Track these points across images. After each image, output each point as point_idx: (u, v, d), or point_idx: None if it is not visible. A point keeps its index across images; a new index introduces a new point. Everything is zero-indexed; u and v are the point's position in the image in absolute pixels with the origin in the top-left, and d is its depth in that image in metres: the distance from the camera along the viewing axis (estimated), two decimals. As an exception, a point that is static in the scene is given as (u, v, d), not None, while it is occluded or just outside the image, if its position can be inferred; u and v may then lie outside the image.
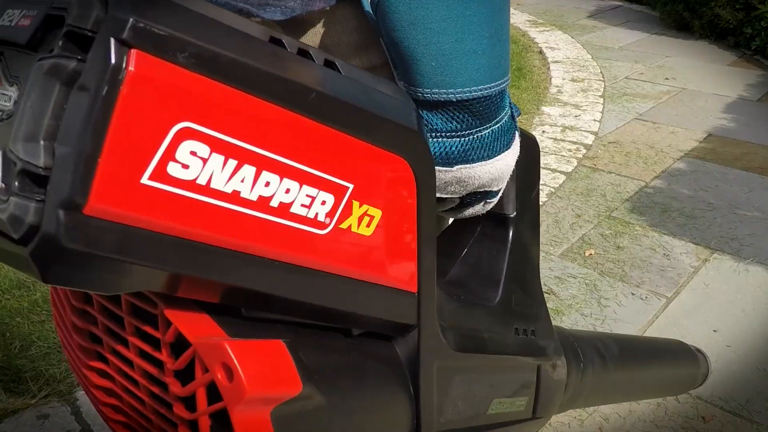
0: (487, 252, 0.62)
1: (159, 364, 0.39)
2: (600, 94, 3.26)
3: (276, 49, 0.33)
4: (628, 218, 2.16)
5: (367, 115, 0.37)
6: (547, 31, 4.33)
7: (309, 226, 0.36)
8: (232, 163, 0.31)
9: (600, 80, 3.45)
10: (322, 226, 0.36)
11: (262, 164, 0.32)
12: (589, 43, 4.10)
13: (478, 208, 0.54)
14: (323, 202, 0.36)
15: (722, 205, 2.23)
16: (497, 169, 0.49)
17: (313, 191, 0.35)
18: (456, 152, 0.47)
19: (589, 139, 2.75)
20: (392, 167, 0.39)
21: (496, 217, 0.62)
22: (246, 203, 0.32)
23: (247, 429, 0.35)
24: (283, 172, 0.33)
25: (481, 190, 0.50)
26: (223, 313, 0.37)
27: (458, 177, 0.48)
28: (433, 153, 0.46)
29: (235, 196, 0.32)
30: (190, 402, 0.37)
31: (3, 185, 0.29)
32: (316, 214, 0.36)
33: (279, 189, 0.33)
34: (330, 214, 0.36)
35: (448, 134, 0.46)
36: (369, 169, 0.38)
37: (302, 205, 0.35)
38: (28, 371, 1.47)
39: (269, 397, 0.35)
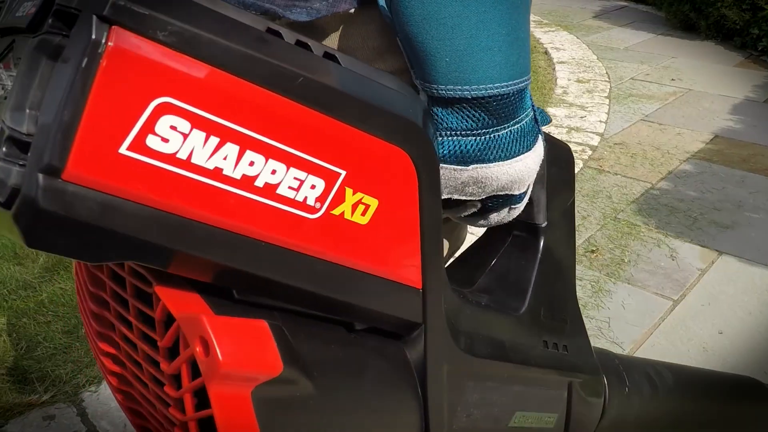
0: (516, 262, 0.61)
1: (156, 344, 0.40)
2: (606, 95, 3.25)
3: (263, 34, 0.33)
4: (634, 220, 2.15)
5: (362, 105, 0.37)
6: (553, 31, 4.32)
7: (297, 209, 0.36)
8: (214, 140, 0.32)
9: (606, 81, 3.44)
10: (311, 210, 0.36)
11: (245, 144, 0.33)
12: (595, 43, 4.09)
13: (504, 214, 0.52)
14: (312, 186, 0.36)
15: (729, 207, 2.22)
16: (516, 171, 0.47)
17: (301, 174, 0.35)
18: (472, 151, 0.46)
19: (595, 141, 2.74)
20: (390, 158, 0.39)
21: (526, 226, 0.61)
22: (229, 181, 0.33)
23: (226, 406, 0.35)
24: (269, 153, 0.34)
25: (502, 193, 0.49)
26: (218, 296, 0.37)
27: (475, 177, 0.47)
28: (448, 151, 0.46)
29: (217, 173, 0.32)
30: (178, 382, 0.38)
31: None
32: (305, 197, 0.36)
33: (264, 169, 0.34)
34: (320, 199, 0.36)
35: (463, 132, 0.45)
36: (363, 157, 0.37)
37: (290, 188, 0.35)
38: (34, 372, 1.47)
39: (247, 375, 0.35)
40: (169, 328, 0.37)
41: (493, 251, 0.62)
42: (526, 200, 0.53)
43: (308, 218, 0.36)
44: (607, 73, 3.56)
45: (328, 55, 0.37)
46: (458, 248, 0.71)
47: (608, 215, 2.18)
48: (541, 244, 0.60)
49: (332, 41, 0.48)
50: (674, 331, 1.64)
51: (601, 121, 2.93)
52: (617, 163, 2.55)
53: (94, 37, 0.28)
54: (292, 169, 0.35)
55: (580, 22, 4.62)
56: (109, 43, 0.28)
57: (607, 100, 3.18)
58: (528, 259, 0.60)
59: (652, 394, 0.78)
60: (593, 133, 2.81)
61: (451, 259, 0.68)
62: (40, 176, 0.28)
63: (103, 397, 1.41)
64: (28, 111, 0.29)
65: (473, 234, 0.74)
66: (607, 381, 0.69)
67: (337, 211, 0.37)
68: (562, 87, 3.34)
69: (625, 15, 4.82)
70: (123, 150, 0.29)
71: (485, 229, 0.66)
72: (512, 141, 0.47)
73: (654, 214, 2.19)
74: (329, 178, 0.36)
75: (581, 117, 2.97)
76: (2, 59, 0.33)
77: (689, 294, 1.78)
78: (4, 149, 0.30)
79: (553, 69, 3.61)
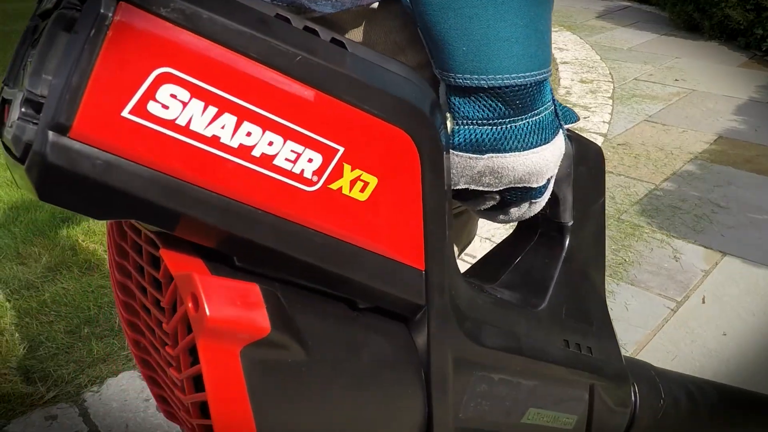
0: (540, 260, 0.61)
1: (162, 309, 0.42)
2: (609, 95, 3.24)
3: (264, 16, 0.36)
4: (638, 221, 2.15)
5: (362, 86, 0.38)
6: (556, 31, 4.32)
7: (294, 180, 0.37)
8: (213, 110, 0.34)
9: (609, 81, 3.43)
10: (308, 182, 0.38)
11: (243, 115, 0.35)
12: (598, 43, 4.08)
13: (524, 209, 0.52)
14: (310, 160, 0.37)
15: (732, 208, 2.21)
16: (533, 163, 0.47)
17: (298, 148, 0.37)
18: (487, 140, 0.46)
19: (598, 141, 2.73)
20: (391, 139, 0.40)
21: (553, 225, 0.61)
22: (226, 149, 0.35)
23: (214, 363, 0.36)
24: (266, 125, 0.35)
25: (520, 185, 0.49)
26: (220, 263, 0.39)
27: (490, 167, 0.47)
28: (464, 139, 0.46)
29: (215, 141, 0.34)
30: (175, 340, 0.40)
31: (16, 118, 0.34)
32: (302, 170, 0.37)
33: (261, 140, 0.35)
34: (317, 173, 0.38)
35: (479, 121, 0.46)
36: (362, 135, 0.39)
37: (286, 159, 0.36)
38: (36, 372, 1.47)
39: (235, 333, 0.36)
40: (167, 288, 0.40)
41: (519, 249, 0.62)
42: (546, 195, 0.52)
43: (305, 190, 0.38)
44: (610, 73, 3.56)
45: (336, 41, 0.38)
46: (469, 243, 0.72)
47: (611, 216, 2.18)
48: (567, 242, 0.60)
49: (355, 35, 0.49)
50: (677, 332, 1.63)
51: (604, 122, 2.93)
52: (621, 163, 2.55)
53: (102, 11, 0.31)
54: (289, 142, 0.36)
55: (584, 22, 4.62)
56: (116, 17, 0.31)
57: (611, 101, 3.17)
58: (552, 257, 0.61)
59: (692, 410, 0.76)
60: (596, 133, 2.81)
61: (480, 253, 0.68)
62: (50, 133, 0.31)
63: (105, 398, 1.41)
64: (44, 76, 0.32)
65: (492, 231, 0.74)
66: (638, 390, 0.68)
67: (334, 186, 0.39)
68: (566, 87, 3.33)
69: (628, 15, 4.81)
70: (125, 113, 0.32)
71: (513, 228, 0.66)
72: (529, 132, 0.47)
73: (657, 214, 2.18)
74: (327, 153, 0.38)
75: (584, 117, 2.97)
76: (39, 40, 0.36)
77: (693, 295, 1.78)
78: (22, 109, 0.33)
79: (557, 69, 3.60)
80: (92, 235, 2.00)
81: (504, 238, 0.67)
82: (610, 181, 2.41)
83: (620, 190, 2.34)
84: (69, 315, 1.65)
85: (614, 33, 4.35)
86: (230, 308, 0.36)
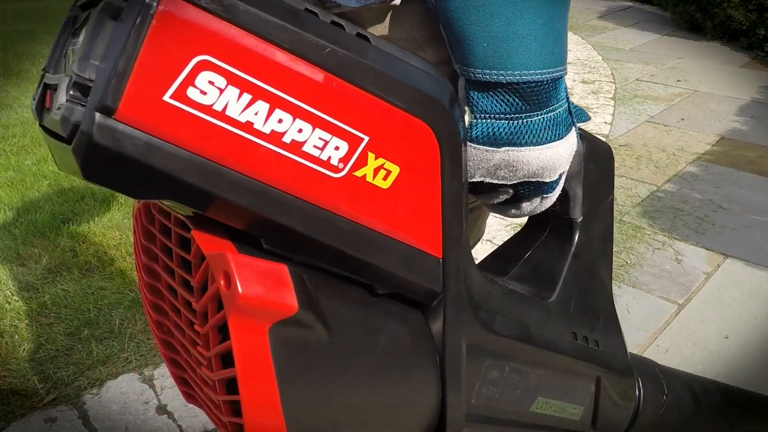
0: (550, 254, 0.63)
1: (191, 289, 0.43)
2: (611, 96, 3.24)
3: (296, 10, 0.38)
4: (640, 222, 2.14)
5: (386, 78, 0.40)
6: (558, 32, 4.31)
7: (321, 167, 0.39)
8: (247, 97, 0.36)
9: (611, 82, 3.42)
10: (335, 169, 0.39)
11: (275, 103, 0.37)
12: (600, 44, 4.07)
13: (536, 204, 0.54)
14: (336, 148, 0.39)
15: (735, 210, 2.20)
16: (547, 157, 0.49)
17: (326, 135, 0.38)
18: (504, 134, 0.48)
19: (600, 142, 2.72)
20: (413, 129, 0.42)
21: (562, 221, 0.62)
22: (259, 134, 0.36)
23: (244, 339, 0.38)
24: (297, 113, 0.37)
25: (533, 180, 0.50)
26: (250, 245, 0.41)
27: (506, 160, 0.48)
28: (481, 133, 0.48)
29: (248, 126, 0.36)
30: (204, 319, 0.42)
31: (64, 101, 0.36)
32: (329, 157, 0.39)
33: (292, 127, 0.37)
34: (343, 160, 0.39)
35: (496, 116, 0.47)
36: (386, 126, 0.41)
37: (315, 146, 0.38)
38: (36, 374, 1.47)
39: (265, 311, 0.38)
40: (199, 268, 0.42)
41: (529, 244, 0.64)
42: (558, 191, 0.54)
43: (331, 176, 0.39)
44: (612, 73, 3.55)
45: (361, 35, 0.40)
46: (479, 240, 0.74)
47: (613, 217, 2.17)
48: (576, 238, 0.62)
49: (377, 31, 0.50)
50: (679, 335, 1.63)
51: (606, 123, 2.92)
52: (622, 164, 2.54)
53: (147, 0, 0.33)
54: (317, 130, 0.38)
55: (585, 23, 4.61)
56: (160, 7, 0.33)
57: (612, 101, 3.17)
58: (561, 253, 0.62)
59: (694, 408, 0.76)
60: (598, 134, 2.80)
61: (481, 254, 0.69)
62: (97, 114, 0.33)
63: (104, 400, 1.41)
64: (91, 61, 0.34)
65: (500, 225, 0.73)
66: (642, 385, 0.69)
67: (359, 173, 0.40)
68: (567, 87, 3.32)
69: (630, 15, 4.80)
70: (166, 98, 0.34)
71: (523, 223, 0.68)
72: (544, 128, 0.48)
73: (659, 216, 2.17)
74: (353, 141, 0.39)
75: (586, 118, 2.96)
76: (82, 29, 0.38)
77: (695, 298, 1.77)
78: (71, 92, 0.35)
79: (558, 70, 3.59)
80: (92, 236, 2.00)
81: (509, 237, 0.68)
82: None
83: (622, 192, 2.33)
84: (69, 317, 1.64)
85: (616, 33, 4.34)
86: (261, 287, 0.38)
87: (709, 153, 2.63)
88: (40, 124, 0.40)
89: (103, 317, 1.64)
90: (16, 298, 1.71)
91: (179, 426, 1.35)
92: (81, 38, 0.38)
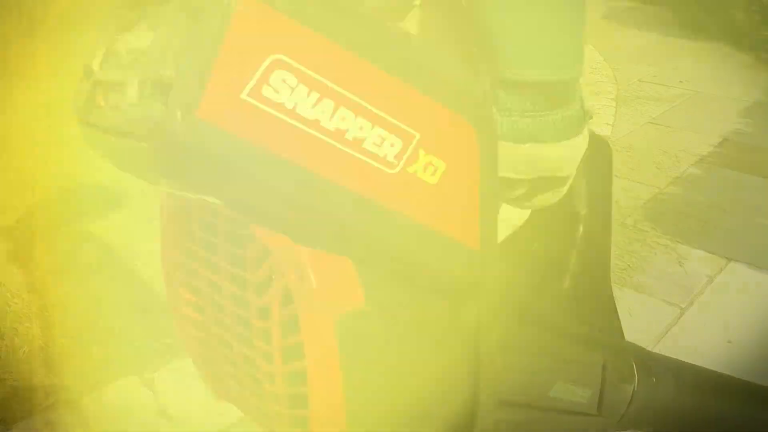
0: (557, 246, 0.66)
1: (243, 285, 0.45)
2: (612, 96, 3.23)
3: (362, 14, 0.39)
4: (642, 225, 2.13)
5: (438, 79, 0.42)
6: (560, 32, 4.30)
7: (380, 163, 0.40)
8: (315, 95, 0.37)
9: (612, 83, 3.41)
10: (391, 165, 0.41)
11: (339, 100, 0.38)
12: (602, 44, 4.06)
13: (548, 197, 0.56)
14: (392, 144, 0.41)
15: (738, 213, 2.20)
16: (567, 152, 0.51)
17: (383, 132, 0.40)
18: (527, 131, 0.50)
19: (602, 143, 2.72)
20: (457, 128, 0.44)
21: (567, 214, 0.65)
22: (325, 132, 0.38)
23: (314, 332, 0.40)
24: (358, 110, 0.39)
25: (550, 174, 0.53)
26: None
27: (528, 155, 0.50)
28: (506, 129, 0.50)
29: (315, 124, 0.37)
30: (266, 314, 0.43)
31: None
32: (386, 154, 0.41)
33: (353, 125, 0.39)
34: (398, 157, 0.41)
35: (521, 113, 0.49)
36: (434, 123, 0.43)
37: (374, 144, 0.40)
38: (36, 377, 1.47)
39: (334, 304, 0.40)
40: (262, 264, 0.43)
41: (536, 237, 0.67)
42: (568, 184, 0.56)
43: (388, 173, 0.41)
44: (614, 74, 3.54)
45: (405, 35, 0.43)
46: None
47: (615, 220, 2.16)
48: (581, 230, 0.65)
49: (409, 26, 0.52)
50: (682, 339, 1.62)
51: (607, 124, 2.91)
52: (624, 166, 2.53)
53: (225, 2, 0.34)
54: (376, 127, 0.40)
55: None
56: (238, 7, 0.34)
57: (614, 102, 3.16)
58: (568, 244, 0.66)
59: (677, 392, 0.79)
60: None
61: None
62: (179, 113, 0.33)
63: (105, 403, 1.41)
64: (169, 59, 0.35)
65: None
66: (636, 369, 0.73)
67: (411, 169, 0.42)
68: (570, 88, 3.32)
69: (632, 15, 4.79)
70: (244, 96, 0.35)
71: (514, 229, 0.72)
72: (565, 125, 0.50)
73: (661, 219, 2.17)
74: (406, 138, 0.41)
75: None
76: (134, 27, 0.39)
77: (697, 301, 1.77)
78: (147, 90, 0.35)
79: (560, 70, 3.59)
80: (93, 239, 2.00)
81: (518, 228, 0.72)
82: (614, 185, 2.40)
83: (624, 194, 2.33)
84: (69, 319, 1.64)
85: (618, 34, 4.33)
86: (331, 280, 0.40)
87: (712, 155, 2.62)
88: (84, 122, 0.40)
89: (103, 320, 1.64)
90: (16, 301, 1.71)
91: (179, 429, 1.35)
92: (139, 36, 0.39)
